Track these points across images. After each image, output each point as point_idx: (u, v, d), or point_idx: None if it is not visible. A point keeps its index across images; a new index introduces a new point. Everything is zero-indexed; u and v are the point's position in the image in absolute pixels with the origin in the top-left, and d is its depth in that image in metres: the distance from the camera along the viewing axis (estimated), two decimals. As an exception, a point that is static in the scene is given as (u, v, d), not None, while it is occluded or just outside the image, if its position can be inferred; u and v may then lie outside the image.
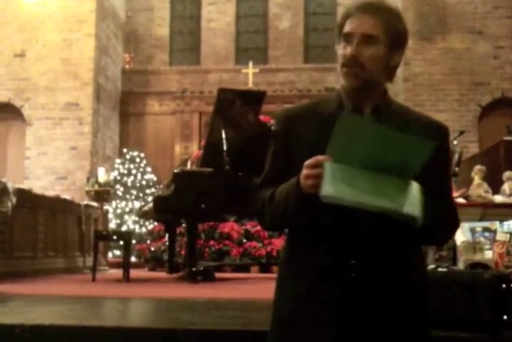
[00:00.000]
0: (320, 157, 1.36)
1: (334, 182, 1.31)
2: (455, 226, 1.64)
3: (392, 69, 1.56)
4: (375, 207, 1.33)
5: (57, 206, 7.20)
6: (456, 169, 5.69)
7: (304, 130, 1.55)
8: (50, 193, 8.15)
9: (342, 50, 1.51)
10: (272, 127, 1.65)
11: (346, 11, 1.53)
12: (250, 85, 11.13)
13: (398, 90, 11.37)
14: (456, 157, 5.85)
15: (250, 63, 11.65)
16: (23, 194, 6.09)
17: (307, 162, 1.38)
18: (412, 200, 1.35)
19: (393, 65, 1.55)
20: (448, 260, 2.90)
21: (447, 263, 2.85)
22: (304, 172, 1.38)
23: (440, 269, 2.61)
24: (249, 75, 11.40)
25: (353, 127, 1.32)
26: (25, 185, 8.04)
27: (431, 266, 2.72)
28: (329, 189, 1.31)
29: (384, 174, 1.35)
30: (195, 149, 11.69)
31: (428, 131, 1.54)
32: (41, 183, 10.82)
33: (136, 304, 3.83)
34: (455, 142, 6.12)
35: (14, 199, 5.70)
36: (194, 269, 5.57)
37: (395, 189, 1.34)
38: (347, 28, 1.50)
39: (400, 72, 11.15)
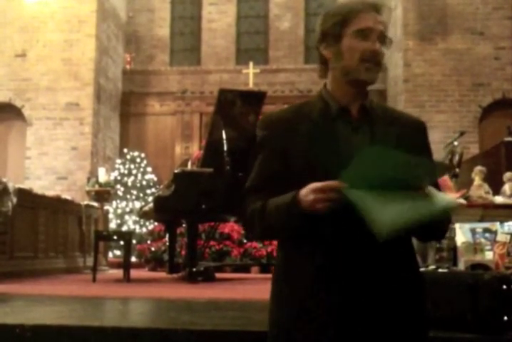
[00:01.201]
0: (332, 184, 1.37)
1: (383, 213, 1.33)
2: (449, 222, 1.66)
3: None
4: (423, 217, 1.37)
5: (57, 206, 7.21)
6: (457, 170, 5.70)
7: (295, 131, 1.55)
8: (51, 193, 8.15)
9: (360, 43, 1.51)
10: (258, 134, 1.62)
11: (352, 7, 1.54)
12: (251, 86, 11.13)
13: (398, 91, 11.37)
14: (457, 157, 5.86)
15: (251, 64, 11.65)
16: (24, 194, 6.10)
17: (316, 187, 1.37)
18: (439, 196, 1.41)
19: None
20: (448, 261, 2.90)
21: (448, 264, 2.85)
22: (312, 196, 1.37)
23: (440, 270, 2.61)
24: (250, 76, 11.40)
25: (374, 158, 1.34)
26: (25, 185, 8.04)
27: (432, 267, 2.72)
28: (385, 221, 1.32)
29: (400, 191, 1.38)
30: (195, 150, 11.70)
31: (410, 127, 1.59)
32: (42, 183, 10.83)
33: (136, 304, 3.84)
34: (455, 143, 6.13)
35: (15, 199, 5.71)
36: (194, 269, 5.57)
37: (421, 196, 1.39)
38: (364, 23, 1.52)
39: (400, 73, 11.16)
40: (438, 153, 8.54)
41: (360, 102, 1.57)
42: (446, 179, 5.01)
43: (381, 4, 1.56)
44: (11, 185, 5.76)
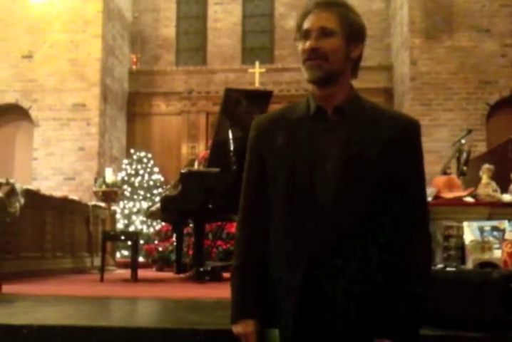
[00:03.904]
0: None
1: None
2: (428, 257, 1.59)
3: (354, 62, 1.59)
4: None
5: (65, 206, 7.23)
6: (464, 168, 5.67)
7: (272, 136, 1.58)
8: (58, 194, 8.18)
9: (302, 45, 1.56)
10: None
11: (303, 11, 1.57)
12: (257, 85, 11.12)
13: (405, 90, 11.33)
14: (464, 156, 5.83)
15: (257, 63, 11.64)
16: (31, 195, 6.11)
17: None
18: None
19: (353, 57, 1.58)
20: (456, 259, 2.89)
21: (455, 263, 2.83)
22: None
23: (448, 269, 2.60)
24: (256, 75, 11.39)
25: None
26: (33, 186, 8.07)
27: (440, 266, 2.71)
28: None
29: None
30: (201, 150, 11.70)
31: (396, 128, 1.54)
32: (49, 184, 10.85)
33: (144, 304, 3.84)
34: (463, 141, 6.10)
35: (22, 200, 5.72)
36: (201, 269, 5.57)
37: None
38: (305, 25, 1.56)
39: (407, 71, 11.12)
40: (446, 151, 8.52)
41: (338, 102, 1.56)
42: (453, 178, 4.99)
43: (329, 1, 1.55)
44: (19, 186, 5.77)
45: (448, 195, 4.62)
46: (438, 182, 4.72)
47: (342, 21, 1.54)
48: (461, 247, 2.87)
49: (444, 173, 5.51)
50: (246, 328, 1.56)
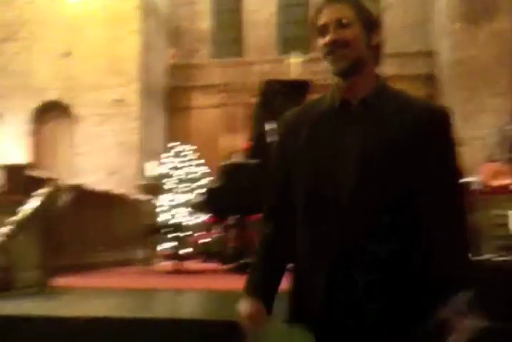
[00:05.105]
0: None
1: None
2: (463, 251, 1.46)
3: (375, 49, 1.56)
4: None
5: (108, 200, 7.33)
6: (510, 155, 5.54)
7: (296, 132, 1.58)
8: (101, 188, 8.29)
9: (321, 40, 1.54)
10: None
11: (316, 8, 1.56)
12: (294, 75, 11.05)
13: (447, 75, 11.09)
14: (509, 142, 5.69)
15: (293, 53, 11.57)
16: (75, 190, 6.22)
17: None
18: None
19: (374, 44, 1.55)
20: (506, 249, 2.82)
21: (504, 252, 2.76)
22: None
23: (496, 258, 2.54)
24: (293, 65, 11.32)
25: None
26: (76, 181, 8.19)
27: (488, 256, 2.65)
28: None
29: None
30: (240, 142, 11.70)
31: (421, 117, 1.49)
32: (91, 178, 11.00)
33: (189, 296, 3.86)
34: (508, 127, 5.95)
35: (66, 195, 5.82)
36: (245, 261, 5.58)
37: None
38: (322, 20, 1.54)
39: (448, 57, 10.88)
40: (491, 138, 8.30)
41: (364, 92, 1.53)
42: (500, 165, 4.86)
43: None
44: (62, 181, 5.88)
45: (494, 183, 4.50)
46: (485, 170, 4.60)
47: (357, 10, 1.53)
48: (510, 236, 2.79)
49: (490, 160, 5.38)
50: (247, 306, 1.57)
